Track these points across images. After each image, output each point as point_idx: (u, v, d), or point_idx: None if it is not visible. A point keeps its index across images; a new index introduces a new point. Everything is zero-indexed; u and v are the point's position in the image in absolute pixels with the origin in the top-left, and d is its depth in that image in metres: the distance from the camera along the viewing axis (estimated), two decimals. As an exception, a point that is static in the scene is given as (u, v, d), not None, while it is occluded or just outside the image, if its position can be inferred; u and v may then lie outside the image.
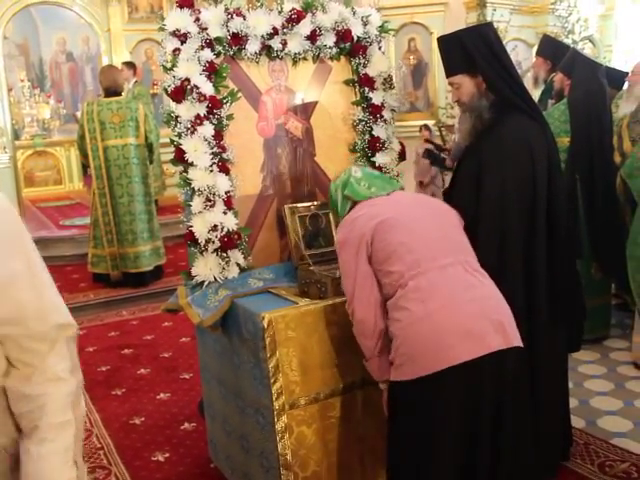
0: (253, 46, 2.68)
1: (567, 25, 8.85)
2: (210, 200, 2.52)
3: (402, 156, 3.06)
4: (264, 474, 2.41)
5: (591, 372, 3.80)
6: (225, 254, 2.53)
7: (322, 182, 2.92)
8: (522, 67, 8.88)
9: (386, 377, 2.06)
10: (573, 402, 3.40)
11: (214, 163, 2.53)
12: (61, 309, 1.29)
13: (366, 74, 2.95)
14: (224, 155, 2.58)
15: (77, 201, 9.91)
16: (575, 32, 9.04)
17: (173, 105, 2.54)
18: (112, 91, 5.52)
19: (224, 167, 2.57)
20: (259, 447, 2.42)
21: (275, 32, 2.70)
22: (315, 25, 2.79)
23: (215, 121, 2.56)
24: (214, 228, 2.52)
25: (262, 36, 2.68)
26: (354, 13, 2.92)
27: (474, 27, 2.55)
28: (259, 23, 2.65)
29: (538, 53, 5.44)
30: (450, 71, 2.43)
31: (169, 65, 2.52)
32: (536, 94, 5.05)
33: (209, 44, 2.56)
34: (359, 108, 2.98)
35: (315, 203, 2.79)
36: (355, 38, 2.92)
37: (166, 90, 2.53)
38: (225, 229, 2.53)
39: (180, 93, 2.51)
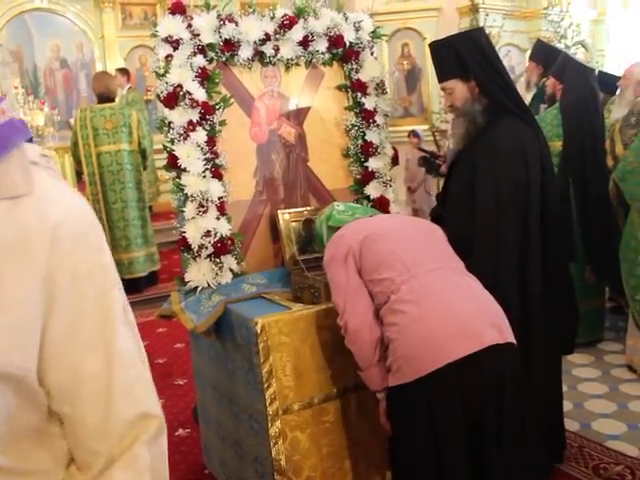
0: (245, 52, 2.69)
1: (559, 30, 8.90)
2: (203, 206, 2.52)
3: (395, 161, 3.07)
4: (258, 479, 2.41)
5: (585, 375, 3.81)
6: (218, 260, 2.54)
7: (315, 187, 2.93)
8: (515, 72, 8.92)
9: (385, 385, 2.04)
10: (567, 405, 3.40)
11: (207, 169, 2.54)
12: (144, 393, 0.87)
13: (359, 79, 2.97)
14: (217, 161, 2.58)
15: (71, 207, 9.87)
16: (567, 37, 9.09)
17: (166, 111, 2.54)
18: (105, 97, 5.52)
19: (217, 173, 2.58)
20: (253, 453, 2.41)
21: (267, 38, 2.71)
22: (307, 31, 2.80)
23: (208, 127, 2.56)
24: (207, 234, 2.52)
25: (254, 42, 2.69)
26: (346, 19, 2.93)
27: (466, 32, 2.56)
28: (251, 29, 2.67)
29: (531, 58, 5.49)
30: (443, 76, 2.44)
31: (162, 71, 2.53)
32: (528, 98, 5.09)
33: (201, 50, 2.57)
34: (352, 113, 2.99)
35: (308, 208, 2.80)
36: (347, 43, 2.94)
37: (159, 96, 2.54)
38: (218, 235, 2.53)
39: (173, 99, 2.52)
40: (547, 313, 2.52)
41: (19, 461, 0.76)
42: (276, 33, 2.72)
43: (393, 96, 9.03)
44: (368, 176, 2.96)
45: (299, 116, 2.91)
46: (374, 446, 2.41)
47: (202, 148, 2.53)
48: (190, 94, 2.52)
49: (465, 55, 2.35)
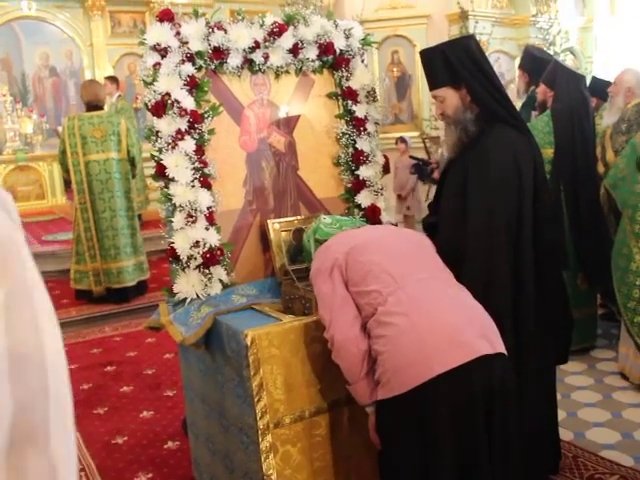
0: (235, 60, 2.65)
1: (548, 37, 8.95)
2: (192, 216, 2.48)
3: (386, 169, 3.05)
4: (249, 495, 2.36)
5: (578, 383, 3.79)
6: (207, 270, 2.49)
7: (306, 196, 2.90)
8: (505, 78, 8.96)
9: (373, 399, 2.00)
10: (561, 414, 3.37)
11: (195, 178, 2.50)
12: None
13: (349, 87, 2.94)
14: (206, 170, 2.55)
15: (60, 216, 9.80)
16: (556, 44, 9.14)
17: (154, 120, 2.50)
18: (93, 105, 5.47)
19: (206, 182, 2.54)
20: (243, 467, 2.37)
21: (257, 45, 2.68)
22: (297, 38, 2.78)
23: (196, 136, 2.53)
24: (196, 244, 2.48)
25: (244, 50, 2.66)
26: (336, 26, 2.91)
27: (456, 39, 2.54)
28: (240, 37, 2.63)
29: (519, 66, 5.49)
30: (434, 84, 2.42)
31: (149, 79, 2.49)
32: (519, 105, 5.08)
33: (190, 58, 2.53)
34: (342, 121, 2.96)
35: (298, 217, 2.76)
36: (338, 51, 2.91)
37: (146, 105, 2.50)
38: (207, 245, 2.49)
39: (160, 108, 2.48)
40: (541, 322, 2.50)
41: None
42: (265, 41, 2.69)
43: (383, 103, 9.04)
44: (359, 185, 2.93)
45: (289, 124, 2.88)
46: (366, 460, 2.36)
47: (190, 157, 2.49)
48: (178, 102, 2.48)
49: (456, 63, 2.33)
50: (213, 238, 2.52)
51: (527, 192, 2.44)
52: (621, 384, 3.73)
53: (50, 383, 0.69)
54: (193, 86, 2.54)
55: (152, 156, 2.51)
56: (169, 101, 2.48)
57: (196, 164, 2.51)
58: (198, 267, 2.49)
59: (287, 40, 2.75)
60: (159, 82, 2.47)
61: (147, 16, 8.80)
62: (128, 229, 5.61)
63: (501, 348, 1.93)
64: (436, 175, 3.03)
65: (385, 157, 3.05)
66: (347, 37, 2.93)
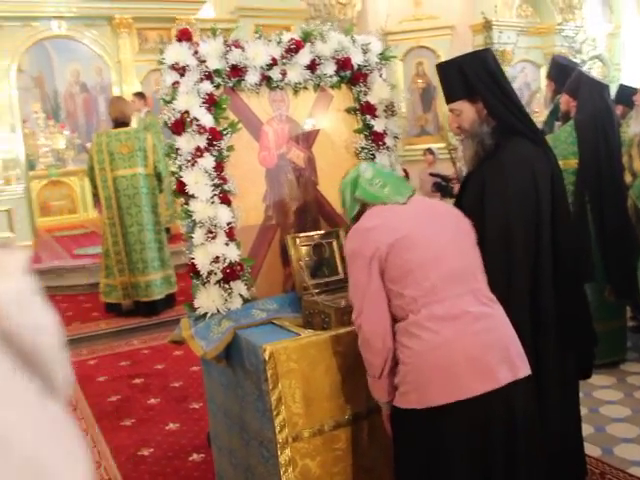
0: (252, 77, 2.69)
1: (575, 45, 8.88)
2: (212, 232, 2.52)
3: (405, 182, 3.05)
4: (269, 509, 2.37)
5: (607, 397, 3.72)
6: (227, 285, 2.53)
7: (325, 211, 2.92)
8: (531, 88, 8.91)
9: (390, 399, 2.01)
10: (589, 429, 3.33)
11: (215, 195, 2.54)
12: None
13: (367, 102, 2.96)
14: (225, 186, 2.58)
15: (91, 229, 9.98)
16: (583, 52, 9.05)
17: (174, 137, 2.55)
18: (120, 122, 5.59)
19: (225, 198, 2.58)
20: (263, 481, 2.38)
21: (274, 62, 2.71)
22: (314, 54, 2.81)
23: (215, 152, 2.57)
24: (216, 260, 2.51)
25: (261, 67, 2.70)
26: (354, 41, 2.93)
27: (473, 53, 2.54)
28: (258, 54, 2.67)
29: (547, 75, 5.45)
30: (450, 98, 2.43)
31: (169, 98, 2.54)
32: (546, 114, 5.06)
33: (208, 76, 2.58)
34: (361, 136, 2.98)
35: (319, 232, 2.78)
36: (355, 66, 2.93)
37: (166, 123, 2.55)
38: (227, 260, 2.52)
39: (180, 125, 2.53)
40: (561, 335, 2.47)
41: None
42: (283, 57, 2.73)
43: (408, 115, 9.05)
44: (378, 198, 2.93)
45: (308, 139, 2.91)
46: (386, 473, 2.36)
47: (210, 174, 2.54)
48: (197, 120, 2.52)
49: (472, 76, 2.33)
50: (233, 253, 2.55)
51: (544, 206, 2.42)
52: (651, 398, 3.66)
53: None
54: (212, 104, 2.58)
55: (172, 173, 2.55)
56: (188, 119, 2.52)
57: (215, 180, 2.55)
58: (218, 282, 2.52)
59: (304, 56, 2.78)
60: (178, 100, 2.52)
61: (173, 32, 8.93)
62: (155, 243, 5.70)
63: (525, 370, 1.93)
64: (456, 190, 3.02)
65: (405, 171, 3.06)
66: (365, 52, 2.95)
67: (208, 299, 2.53)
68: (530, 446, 1.91)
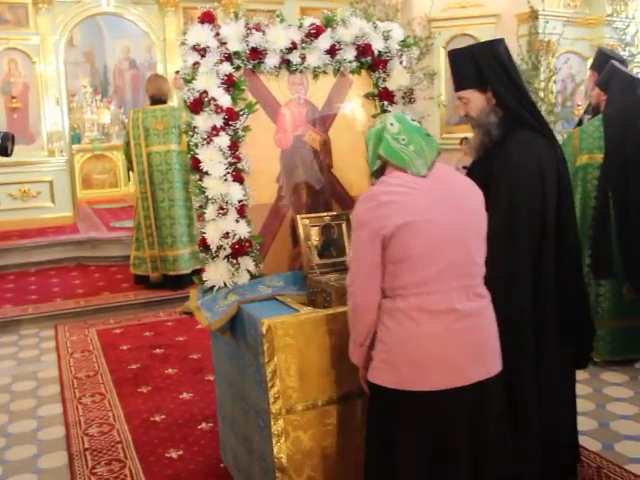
0: (272, 60, 2.76)
1: (624, 37, 8.63)
2: (223, 208, 2.61)
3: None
4: (263, 476, 2.47)
5: (617, 394, 3.70)
6: (235, 261, 2.62)
7: (338, 194, 2.97)
8: (575, 80, 8.72)
9: (365, 366, 2.09)
10: (592, 424, 3.34)
11: (228, 172, 2.62)
12: None
13: (385, 88, 3.00)
14: (239, 165, 2.66)
15: (130, 204, 10.23)
16: (634, 44, 8.80)
17: (192, 116, 2.64)
18: (157, 99, 5.73)
19: (238, 176, 2.66)
20: (259, 449, 2.48)
21: (294, 46, 2.77)
22: (335, 40, 2.86)
23: (231, 132, 2.65)
24: (226, 235, 2.60)
25: (281, 50, 2.76)
26: (375, 28, 2.97)
27: (486, 42, 2.55)
28: (278, 38, 2.74)
29: (591, 66, 5.34)
30: (460, 85, 2.45)
31: (189, 78, 2.63)
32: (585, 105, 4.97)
33: (228, 58, 2.66)
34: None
35: (329, 214, 2.84)
36: (376, 52, 2.97)
37: (185, 102, 2.65)
38: (237, 236, 2.61)
39: (198, 105, 2.62)
40: (561, 323, 2.49)
41: None
42: (303, 42, 2.79)
43: (448, 103, 8.97)
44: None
45: (325, 123, 2.96)
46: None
47: (224, 152, 2.62)
48: (215, 100, 2.61)
49: (484, 66, 2.35)
50: (243, 230, 2.64)
51: (550, 196, 2.44)
52: (662, 399, 3.64)
53: None
54: (230, 84, 2.66)
55: (189, 150, 2.65)
56: (206, 98, 2.61)
57: (230, 159, 2.63)
58: (227, 257, 2.61)
59: (324, 41, 2.83)
60: (198, 80, 2.61)
61: (219, 12, 9.02)
62: (185, 219, 5.86)
63: (496, 369, 1.99)
64: None
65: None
66: (386, 39, 2.98)
67: (216, 273, 2.63)
68: (497, 439, 1.99)
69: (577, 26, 8.60)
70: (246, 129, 2.71)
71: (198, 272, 6.05)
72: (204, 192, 2.62)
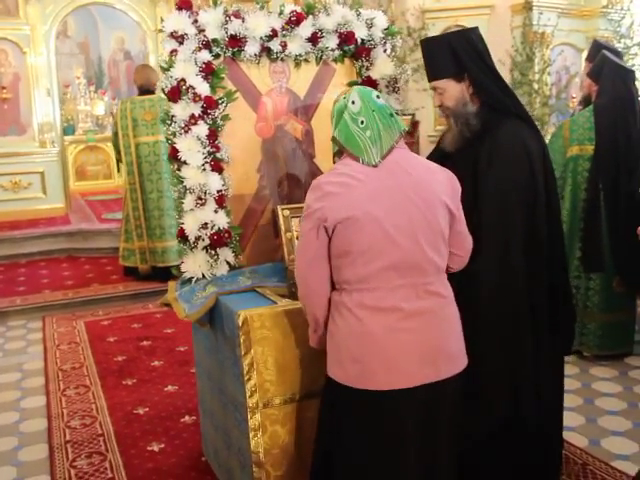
0: (252, 48, 2.71)
1: (619, 29, 8.57)
2: (201, 198, 2.57)
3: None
4: (241, 470, 2.44)
5: (605, 389, 3.67)
6: (214, 252, 2.58)
7: (321, 184, 2.93)
8: (570, 72, 8.65)
9: (321, 347, 2.06)
10: (579, 419, 3.31)
11: (206, 162, 2.58)
12: None
13: (369, 77, 2.95)
14: (218, 154, 2.62)
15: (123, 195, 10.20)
16: (630, 36, 8.74)
17: (170, 104, 2.60)
18: (145, 89, 5.67)
19: (217, 166, 2.61)
20: (237, 444, 2.45)
21: (274, 34, 2.72)
22: (316, 27, 2.80)
23: (210, 121, 2.60)
24: (204, 226, 2.56)
25: (261, 38, 2.71)
26: (358, 15, 2.91)
27: (461, 31, 2.50)
28: (258, 25, 2.69)
29: (586, 58, 5.29)
30: (435, 75, 2.38)
31: (166, 65, 2.58)
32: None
33: (206, 45, 2.61)
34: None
35: (311, 204, 2.79)
36: (359, 40, 2.92)
37: (163, 90, 2.60)
38: (215, 227, 2.57)
39: (176, 93, 2.57)
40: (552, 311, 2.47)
41: None
42: (283, 29, 2.73)
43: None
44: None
45: (307, 112, 2.92)
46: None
47: (203, 142, 2.58)
48: (193, 88, 2.56)
49: (462, 54, 2.30)
50: (222, 220, 2.60)
51: (539, 187, 2.40)
52: (651, 393, 3.61)
53: None
54: (209, 72, 2.61)
55: (166, 139, 2.60)
56: (184, 87, 2.56)
57: (208, 148, 2.59)
58: (205, 248, 2.57)
59: (306, 29, 2.78)
60: (175, 68, 2.56)
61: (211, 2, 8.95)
62: (174, 210, 5.80)
63: (449, 371, 1.90)
64: None
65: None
66: (369, 27, 2.93)
67: (194, 264, 2.59)
68: (447, 442, 1.94)
69: (572, 17, 8.53)
70: (225, 118, 2.66)
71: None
72: (182, 182, 2.58)
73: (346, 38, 2.88)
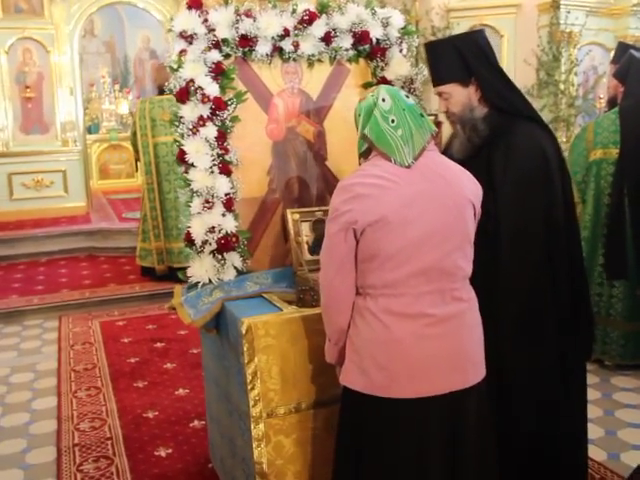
0: (263, 47, 2.65)
1: (650, 28, 8.36)
2: (209, 202, 2.51)
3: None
4: (245, 480, 2.38)
5: (626, 401, 3.55)
6: (221, 256, 2.52)
7: (332, 187, 2.83)
8: (598, 72, 8.46)
9: (340, 362, 1.97)
10: (599, 432, 3.20)
11: (215, 164, 2.52)
12: None
13: (384, 77, 2.87)
14: (226, 157, 2.56)
15: (145, 194, 10.24)
16: (659, 36, 8.52)
17: (179, 106, 2.55)
18: (164, 89, 5.64)
19: (225, 169, 2.56)
20: (242, 453, 2.39)
21: (286, 33, 2.66)
22: (330, 27, 2.73)
23: (218, 122, 2.55)
24: (211, 230, 2.51)
25: (273, 37, 2.65)
26: (374, 14, 2.84)
27: (467, 33, 2.42)
28: (270, 25, 2.62)
29: (612, 59, 5.15)
30: (440, 80, 2.28)
31: (175, 66, 2.53)
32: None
33: (216, 45, 2.55)
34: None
35: (321, 208, 2.73)
36: (374, 40, 2.84)
37: (171, 91, 2.55)
38: (223, 231, 2.52)
39: (184, 94, 2.52)
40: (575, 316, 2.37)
41: None
42: (296, 29, 2.67)
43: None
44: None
45: (320, 114, 2.85)
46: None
47: (211, 144, 2.52)
48: (202, 89, 2.51)
49: (469, 58, 2.21)
50: (229, 224, 2.54)
51: (558, 192, 2.31)
52: (675, 406, 3.47)
53: None
54: (219, 73, 2.55)
55: (175, 141, 2.55)
56: (193, 87, 2.51)
57: (216, 150, 2.53)
58: (212, 252, 2.52)
59: (319, 28, 2.71)
60: (184, 68, 2.51)
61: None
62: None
63: (475, 378, 1.84)
64: None
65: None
66: (385, 26, 2.85)
67: (201, 268, 2.54)
68: (478, 449, 1.85)
69: (600, 16, 8.33)
70: (235, 119, 2.60)
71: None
72: (189, 185, 2.53)
73: (361, 38, 2.80)
